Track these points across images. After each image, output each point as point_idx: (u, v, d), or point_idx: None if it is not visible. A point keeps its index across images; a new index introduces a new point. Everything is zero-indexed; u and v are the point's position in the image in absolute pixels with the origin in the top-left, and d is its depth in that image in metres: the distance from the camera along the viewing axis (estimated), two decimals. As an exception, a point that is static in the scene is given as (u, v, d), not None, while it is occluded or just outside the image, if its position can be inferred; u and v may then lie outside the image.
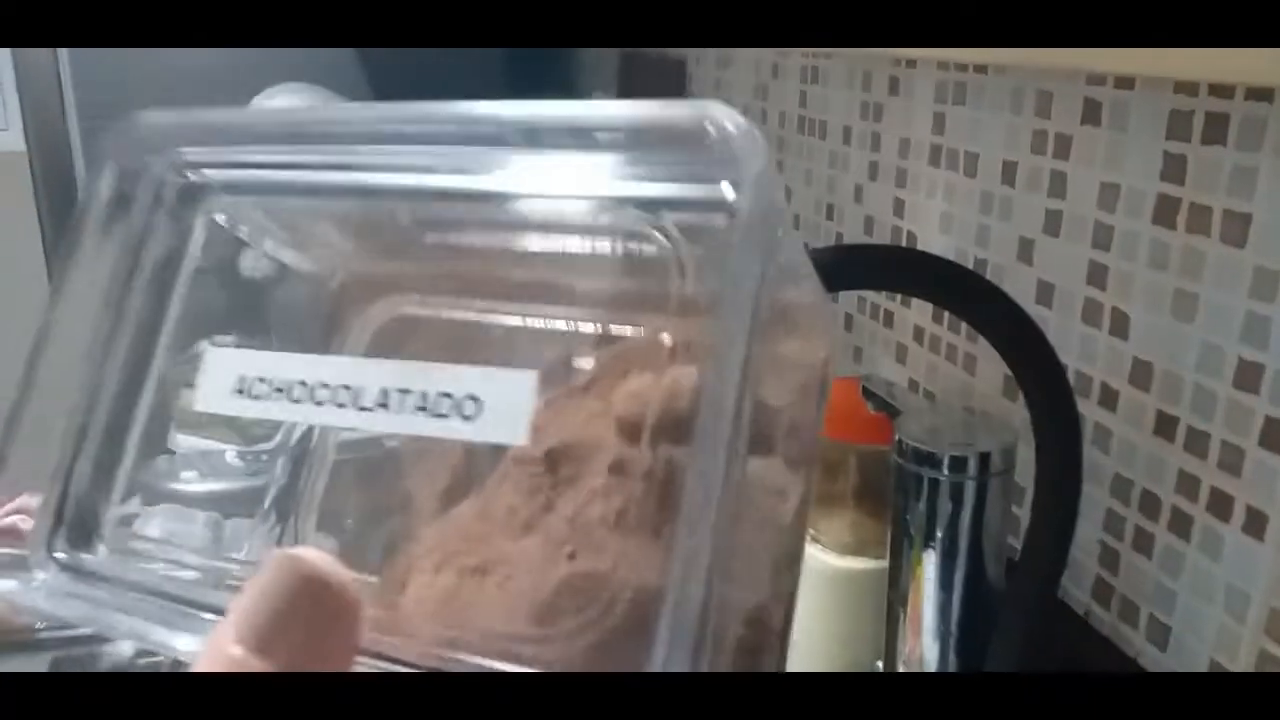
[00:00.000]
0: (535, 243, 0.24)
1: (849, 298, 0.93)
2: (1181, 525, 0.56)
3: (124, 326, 0.24)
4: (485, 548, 0.22)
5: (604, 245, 0.23)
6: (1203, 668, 0.55)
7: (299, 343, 0.25)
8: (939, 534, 0.51)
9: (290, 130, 0.24)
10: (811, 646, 0.61)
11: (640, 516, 0.20)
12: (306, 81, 1.32)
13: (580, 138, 0.20)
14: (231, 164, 0.25)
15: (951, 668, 0.53)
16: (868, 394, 0.57)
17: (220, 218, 0.25)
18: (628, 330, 0.23)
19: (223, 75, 1.53)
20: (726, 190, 0.19)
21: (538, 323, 0.24)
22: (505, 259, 0.25)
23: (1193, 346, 0.54)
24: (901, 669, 0.54)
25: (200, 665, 0.18)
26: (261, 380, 0.22)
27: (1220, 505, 0.53)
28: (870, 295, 0.89)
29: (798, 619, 0.67)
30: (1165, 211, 0.55)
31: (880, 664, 0.56)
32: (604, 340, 0.23)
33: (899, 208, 0.83)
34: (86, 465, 0.23)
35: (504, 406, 0.20)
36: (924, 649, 0.53)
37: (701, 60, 1.26)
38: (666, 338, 0.22)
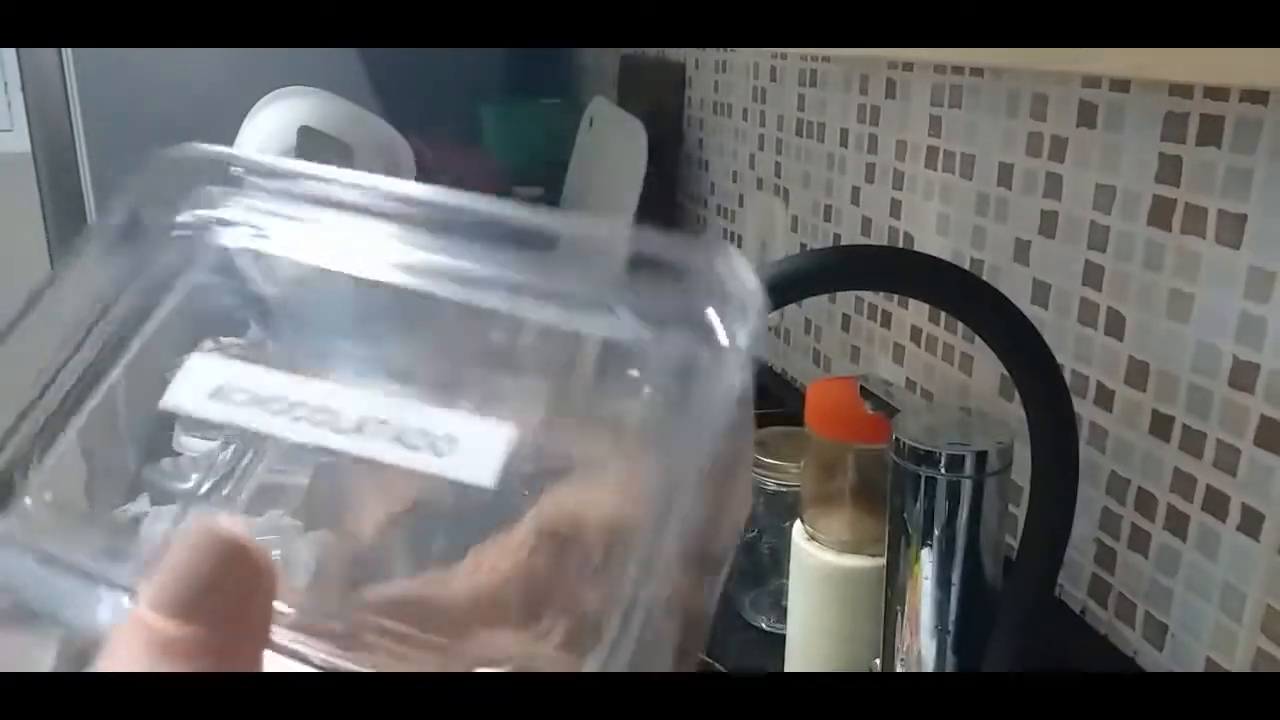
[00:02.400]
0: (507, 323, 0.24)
1: (847, 298, 0.93)
2: (1177, 524, 0.56)
3: (102, 328, 0.24)
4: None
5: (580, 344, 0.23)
6: (1199, 666, 0.55)
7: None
8: (936, 532, 0.51)
9: (317, 195, 0.24)
10: (809, 644, 0.61)
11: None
12: (307, 82, 1.32)
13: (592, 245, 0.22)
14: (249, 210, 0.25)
15: (949, 666, 0.53)
16: (865, 393, 0.57)
17: (224, 245, 0.26)
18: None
19: (226, 75, 1.54)
20: (719, 332, 0.21)
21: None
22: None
23: (1188, 346, 0.54)
24: (899, 667, 0.55)
25: (118, 635, 0.18)
26: (242, 390, 0.23)
27: (1216, 504, 0.53)
28: (868, 296, 0.89)
29: (796, 615, 0.68)
30: (1160, 213, 0.56)
31: (878, 662, 0.57)
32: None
33: (896, 209, 0.83)
34: (19, 443, 0.23)
35: (478, 450, 0.21)
36: (921, 647, 0.53)
37: (701, 62, 1.26)
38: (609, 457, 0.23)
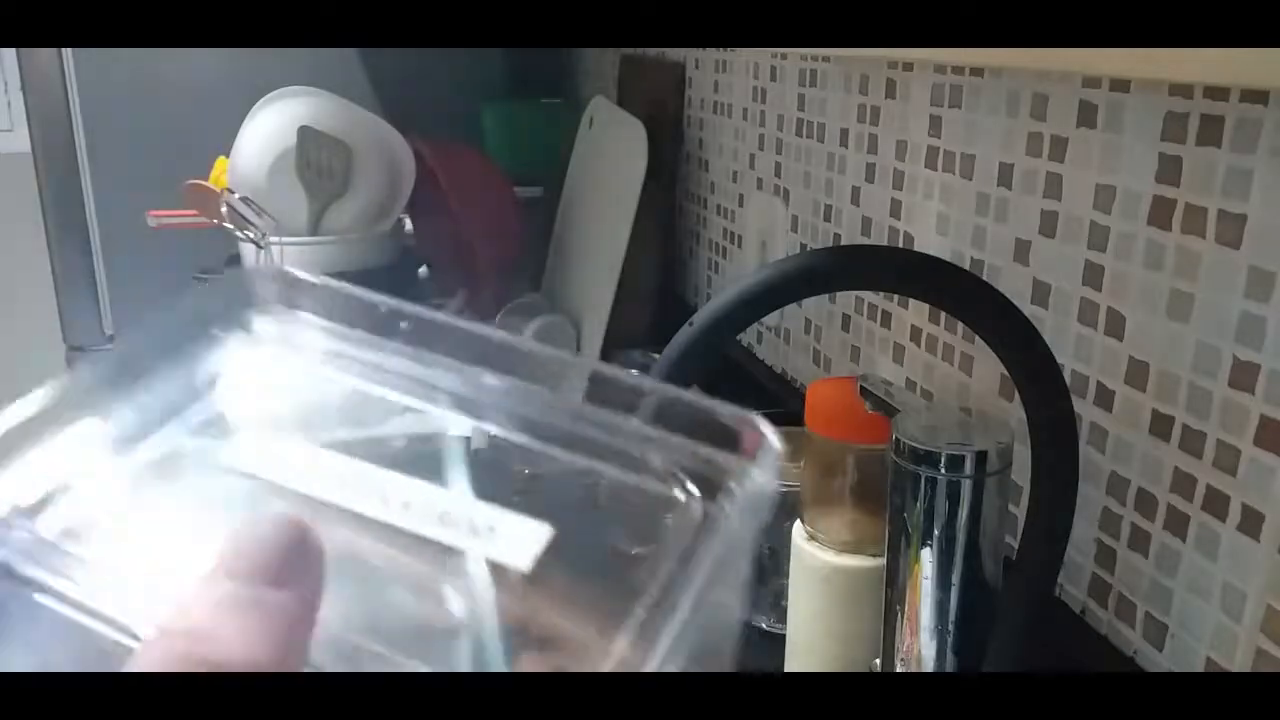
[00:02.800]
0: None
1: (847, 298, 0.93)
2: (1178, 524, 0.56)
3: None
4: None
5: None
6: (1199, 666, 0.55)
7: None
8: (936, 533, 0.51)
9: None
10: (809, 645, 0.61)
11: None
12: (307, 82, 1.32)
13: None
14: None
15: (949, 666, 0.53)
16: (865, 393, 0.57)
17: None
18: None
19: (226, 75, 1.54)
20: (734, 484, 0.22)
21: None
22: None
23: (1188, 346, 0.54)
24: (899, 667, 0.55)
25: (189, 602, 0.19)
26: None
27: (1216, 504, 0.53)
28: (868, 296, 0.89)
29: (796, 615, 0.67)
30: (1160, 212, 0.56)
31: (878, 662, 0.57)
32: None
33: (896, 209, 0.83)
34: None
35: (516, 539, 0.21)
36: (921, 647, 0.53)
37: (700, 64, 1.26)
38: None
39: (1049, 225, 0.65)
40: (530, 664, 0.21)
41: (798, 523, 0.61)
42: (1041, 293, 0.66)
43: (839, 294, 0.94)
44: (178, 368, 0.25)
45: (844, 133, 0.91)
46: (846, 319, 0.94)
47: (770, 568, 0.69)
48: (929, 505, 0.51)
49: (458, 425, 0.25)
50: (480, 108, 1.61)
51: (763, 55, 1.07)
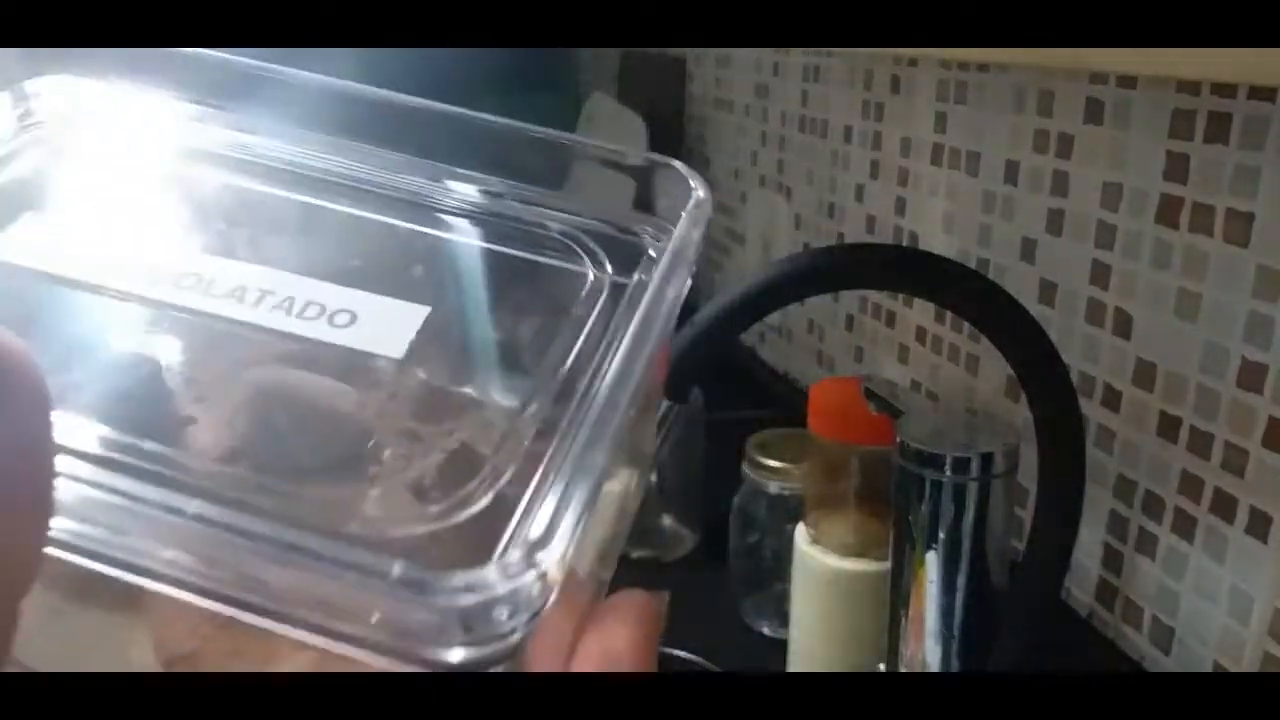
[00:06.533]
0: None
1: (851, 298, 0.93)
2: (1185, 526, 0.55)
3: None
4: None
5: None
6: (1206, 669, 0.55)
7: None
8: (941, 535, 0.50)
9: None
10: (812, 650, 0.60)
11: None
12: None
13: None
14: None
15: (954, 670, 0.52)
16: (870, 395, 0.56)
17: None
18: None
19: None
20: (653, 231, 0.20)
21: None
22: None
23: (1196, 346, 0.54)
24: (903, 671, 0.54)
25: None
26: (75, 233, 0.20)
27: (1224, 506, 0.53)
28: (872, 295, 0.89)
29: (799, 620, 0.67)
30: (1168, 211, 0.55)
31: (882, 666, 0.56)
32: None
33: (901, 207, 0.83)
34: None
35: (384, 325, 0.19)
36: (926, 651, 0.53)
37: (701, 60, 1.25)
38: None
39: (1055, 224, 0.64)
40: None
41: (800, 526, 0.61)
42: (1048, 292, 0.65)
43: (842, 293, 0.94)
44: None
45: (848, 129, 0.91)
46: (850, 319, 0.93)
47: (772, 572, 0.69)
48: (934, 508, 0.50)
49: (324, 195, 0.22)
50: (480, 104, 1.60)
51: (765, 51, 1.07)
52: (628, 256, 0.21)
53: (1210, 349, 0.53)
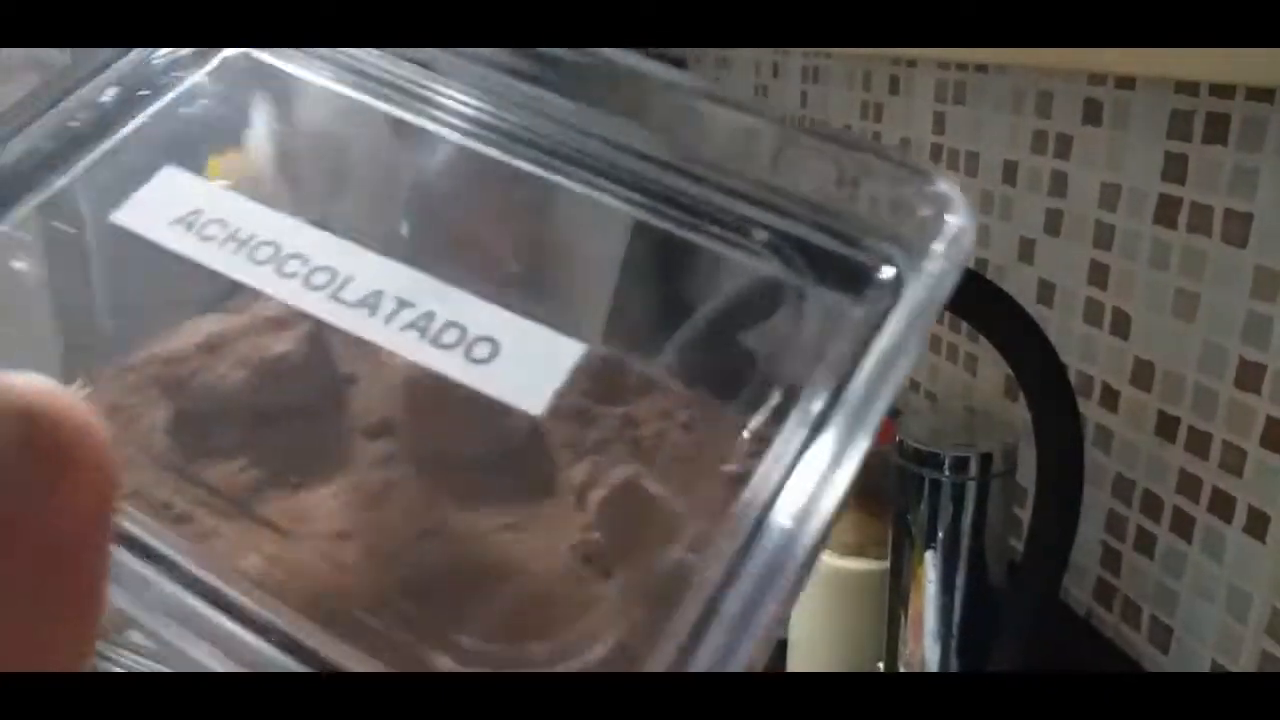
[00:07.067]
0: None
1: (850, 298, 0.93)
2: (1183, 526, 0.56)
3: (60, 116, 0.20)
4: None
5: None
6: (1204, 669, 0.55)
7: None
8: (940, 535, 0.50)
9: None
10: (812, 647, 0.61)
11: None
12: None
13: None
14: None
15: (953, 669, 0.53)
16: (868, 394, 0.56)
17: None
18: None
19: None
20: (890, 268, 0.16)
21: None
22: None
23: (1194, 346, 0.54)
24: (902, 670, 0.54)
25: None
26: (220, 222, 0.18)
27: (1222, 506, 0.53)
28: (871, 295, 0.89)
29: (798, 619, 0.67)
30: (1166, 211, 0.55)
31: (881, 665, 0.56)
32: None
33: (900, 208, 0.83)
34: None
35: (527, 365, 0.16)
36: (925, 650, 0.53)
37: (701, 60, 1.25)
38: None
39: (1054, 224, 0.64)
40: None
41: (800, 524, 0.61)
42: (1046, 292, 0.65)
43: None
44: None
45: (847, 129, 0.91)
46: (849, 318, 0.93)
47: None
48: (933, 507, 0.50)
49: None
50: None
51: (764, 52, 1.07)
52: (851, 273, 0.17)
53: (1208, 349, 0.53)
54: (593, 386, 0.16)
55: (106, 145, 0.19)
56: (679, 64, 1.31)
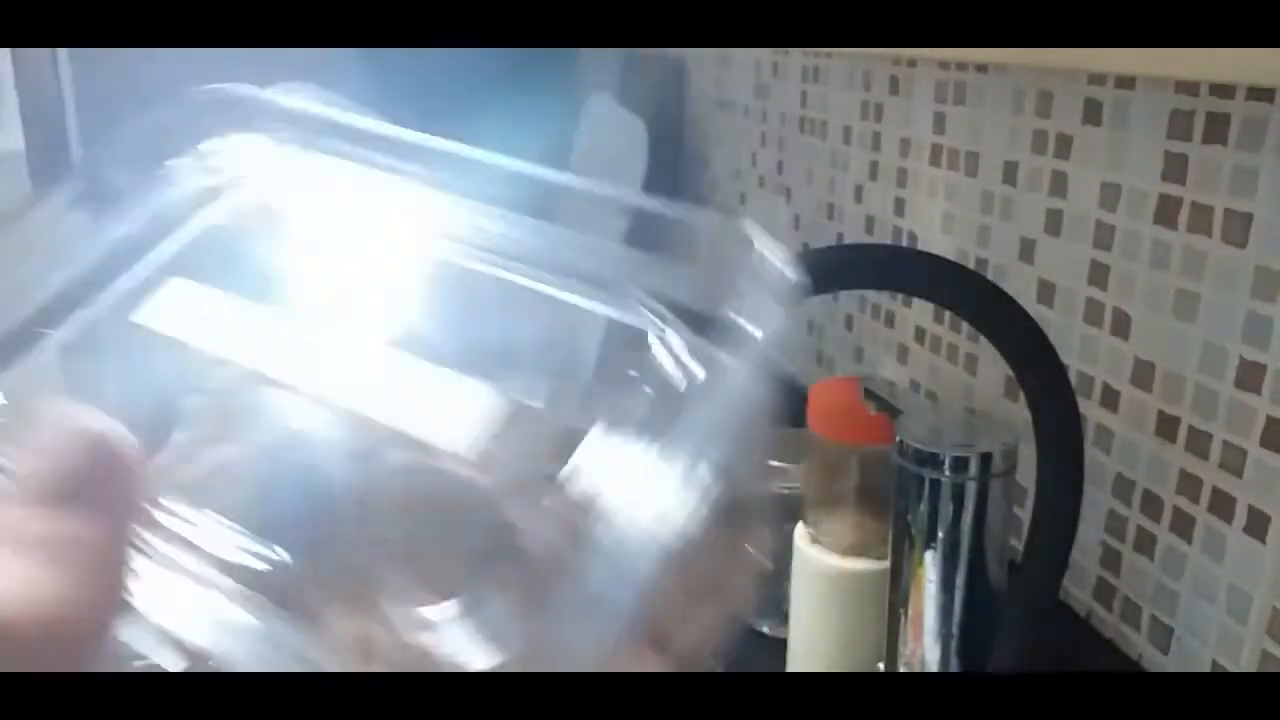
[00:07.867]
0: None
1: (850, 298, 0.93)
2: (1183, 526, 0.56)
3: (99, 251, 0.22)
4: None
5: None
6: (1204, 669, 0.55)
7: None
8: (940, 535, 0.50)
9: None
10: (811, 647, 0.61)
11: None
12: (305, 81, 1.31)
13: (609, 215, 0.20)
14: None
15: (953, 669, 0.52)
16: (869, 394, 0.56)
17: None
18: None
19: (224, 75, 1.53)
20: (743, 323, 0.18)
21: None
22: None
23: (1194, 346, 0.54)
24: (903, 670, 0.54)
25: None
26: (218, 316, 0.21)
27: (1222, 506, 0.53)
28: (871, 295, 0.89)
29: (798, 619, 0.67)
30: (1166, 211, 0.55)
31: (881, 665, 0.56)
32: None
33: (900, 207, 0.83)
34: None
35: (462, 414, 0.19)
36: (925, 650, 0.53)
37: (701, 60, 1.25)
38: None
39: (1054, 224, 0.64)
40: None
41: (800, 525, 0.61)
42: (1046, 292, 0.65)
43: (842, 293, 0.94)
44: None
45: (847, 130, 0.91)
46: (850, 319, 0.93)
47: (772, 571, 0.69)
48: (933, 507, 0.50)
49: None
50: (480, 107, 1.60)
51: (764, 51, 1.07)
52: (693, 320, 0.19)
53: (1208, 349, 0.53)
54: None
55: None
56: (679, 64, 1.32)
